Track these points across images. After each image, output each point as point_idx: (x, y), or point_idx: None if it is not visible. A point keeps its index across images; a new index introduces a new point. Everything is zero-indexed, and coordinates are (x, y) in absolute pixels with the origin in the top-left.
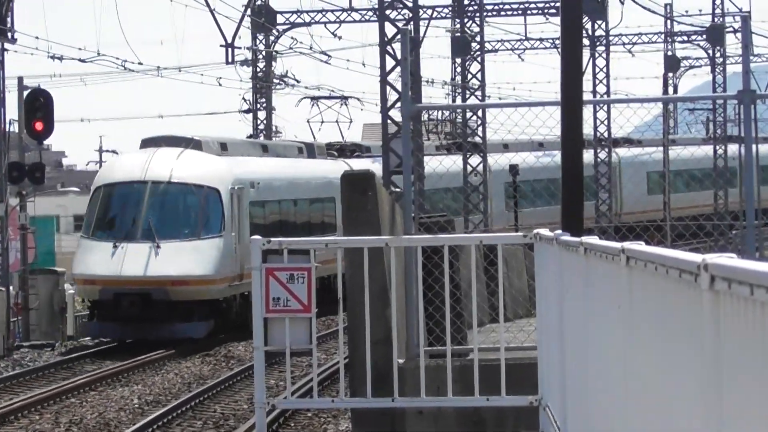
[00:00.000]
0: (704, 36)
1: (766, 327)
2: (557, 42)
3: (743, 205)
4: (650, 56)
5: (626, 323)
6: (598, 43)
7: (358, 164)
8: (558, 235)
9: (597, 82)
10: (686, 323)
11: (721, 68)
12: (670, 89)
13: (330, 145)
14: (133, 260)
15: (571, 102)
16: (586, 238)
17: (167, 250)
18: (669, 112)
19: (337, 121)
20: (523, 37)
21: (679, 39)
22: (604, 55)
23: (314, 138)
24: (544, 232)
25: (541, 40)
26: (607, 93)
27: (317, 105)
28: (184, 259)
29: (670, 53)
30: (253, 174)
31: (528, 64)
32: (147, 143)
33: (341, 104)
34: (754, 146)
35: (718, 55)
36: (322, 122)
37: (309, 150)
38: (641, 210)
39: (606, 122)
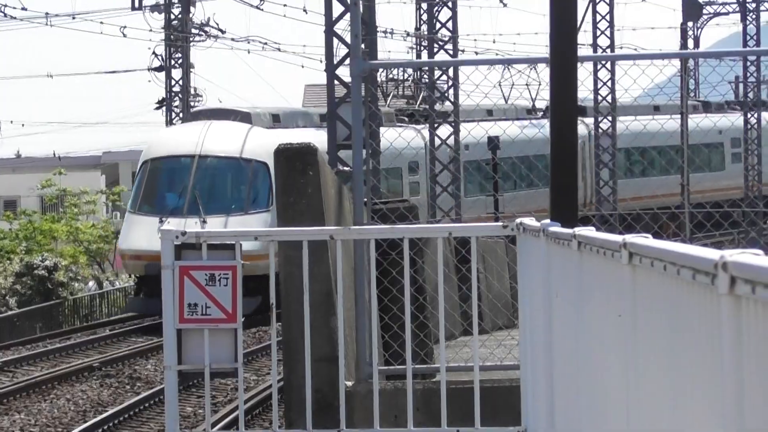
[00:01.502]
0: None
1: None
2: None
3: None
4: (665, 1)
5: (629, 335)
6: None
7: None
8: (546, 226)
9: (598, 33)
10: (702, 335)
11: (754, 16)
12: (690, 43)
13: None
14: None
15: (562, 58)
16: (580, 230)
17: (214, 225)
18: (688, 70)
19: None
20: None
21: None
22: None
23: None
24: (530, 221)
25: None
26: (611, 47)
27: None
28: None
29: None
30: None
31: (512, 10)
32: (196, 116)
33: None
34: None
35: None
36: None
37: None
38: (651, 194)
39: (609, 83)
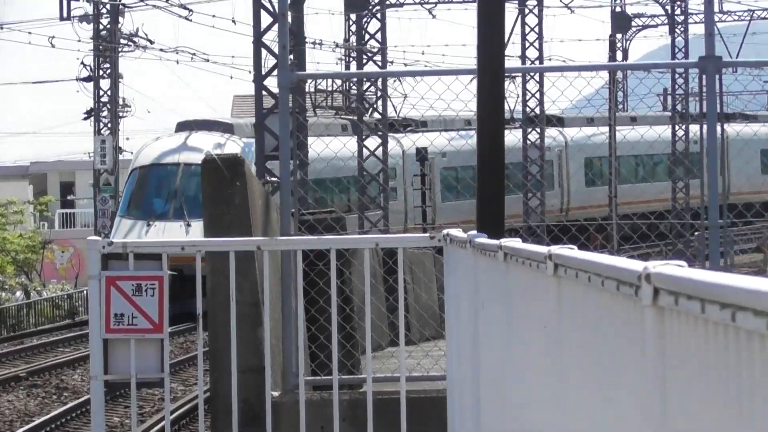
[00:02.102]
0: None
1: (719, 350)
2: None
3: (705, 200)
4: (594, 13)
5: (555, 346)
6: None
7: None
8: (472, 237)
9: (527, 45)
10: (626, 346)
11: (682, 29)
12: (619, 55)
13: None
14: (166, 237)
15: (489, 70)
16: (506, 241)
17: (197, 228)
18: (616, 82)
19: None
20: None
21: None
22: (536, 11)
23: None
24: (456, 232)
25: None
26: (540, 59)
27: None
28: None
29: (618, 9)
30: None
31: (441, 21)
32: (181, 127)
33: None
34: (719, 125)
35: (678, 12)
36: None
37: (354, 127)
38: (579, 206)
39: (538, 95)
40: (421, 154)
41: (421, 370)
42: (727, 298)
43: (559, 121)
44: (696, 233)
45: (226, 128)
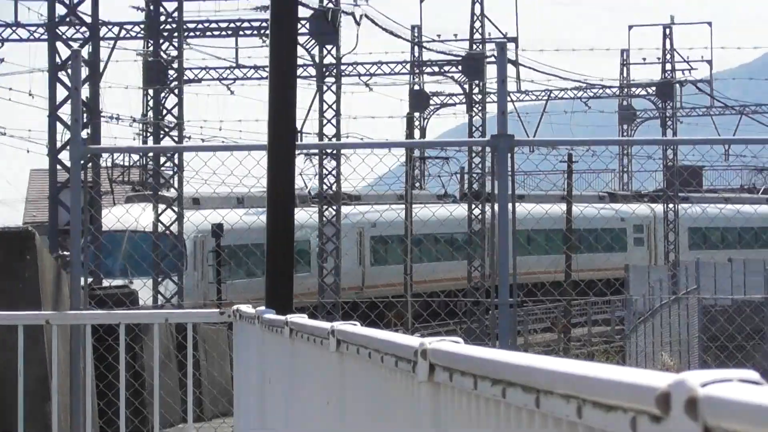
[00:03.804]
0: (459, 67)
1: (491, 425)
2: None
3: (496, 279)
4: (393, 91)
5: (337, 421)
6: (326, 74)
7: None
8: (261, 313)
9: (324, 122)
10: (405, 422)
11: (480, 107)
12: (417, 133)
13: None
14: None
15: (279, 146)
16: (292, 317)
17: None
18: (413, 160)
19: None
20: (234, 64)
21: (429, 70)
22: (333, 88)
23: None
24: (246, 308)
25: (255, 67)
26: (337, 135)
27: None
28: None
29: (417, 87)
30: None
31: (239, 97)
32: (130, 200)
33: None
34: (510, 204)
35: (476, 91)
36: None
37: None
38: (373, 284)
39: (335, 172)
40: (215, 230)
41: None
42: (497, 374)
43: (355, 199)
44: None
45: (163, 201)
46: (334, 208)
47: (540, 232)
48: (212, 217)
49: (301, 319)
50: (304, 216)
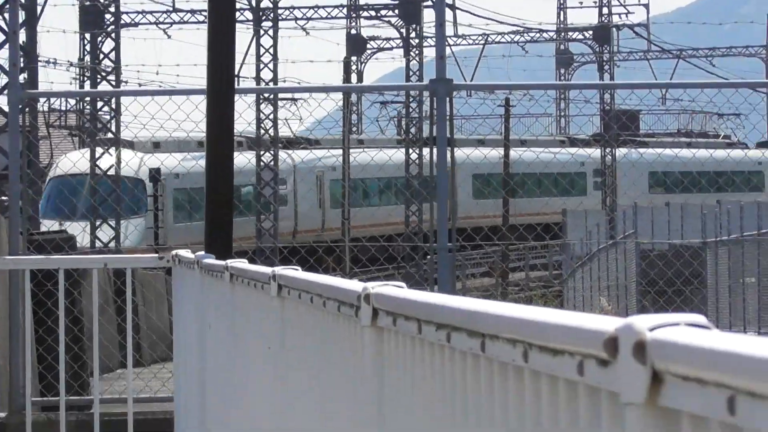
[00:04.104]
0: (396, 11)
1: (436, 369)
2: None
3: (435, 224)
4: (330, 35)
5: (279, 366)
6: (263, 18)
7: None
8: (200, 258)
9: (261, 66)
10: (347, 367)
11: (417, 51)
12: (354, 77)
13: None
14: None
15: (218, 90)
16: (232, 262)
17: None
18: (351, 104)
19: None
20: (171, 8)
21: (366, 14)
22: (270, 32)
23: None
24: (185, 253)
25: (192, 11)
26: (274, 80)
27: None
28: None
29: (353, 32)
30: (178, 167)
31: (175, 41)
32: (86, 144)
33: None
34: (450, 149)
35: (413, 35)
36: None
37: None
38: (314, 228)
39: (272, 116)
40: (153, 174)
41: (149, 392)
42: (442, 318)
43: (290, 143)
44: (427, 257)
45: (128, 144)
46: (272, 152)
47: (497, 176)
48: (169, 161)
49: (241, 263)
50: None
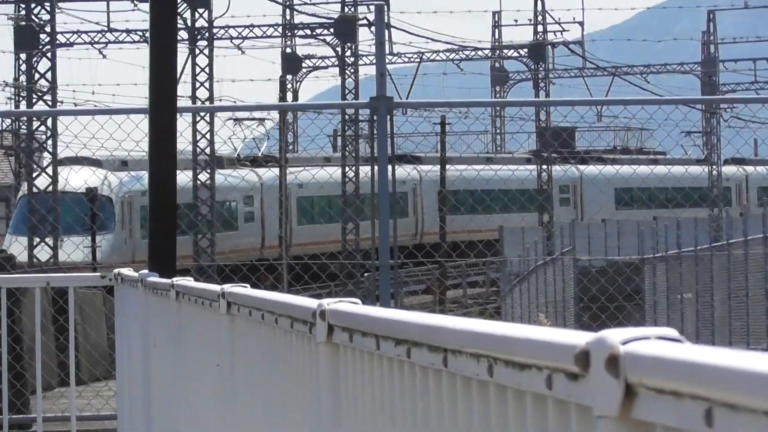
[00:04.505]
0: (331, 29)
1: (395, 387)
2: (147, 34)
3: (376, 242)
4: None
5: (228, 384)
6: (199, 37)
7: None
8: (144, 276)
9: (197, 85)
10: (302, 385)
11: (353, 70)
12: (289, 96)
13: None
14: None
15: (161, 109)
16: (179, 280)
17: (69, 242)
18: (287, 123)
19: None
20: (106, 28)
21: (301, 33)
22: (206, 51)
23: None
24: (128, 271)
25: (127, 31)
26: (210, 99)
27: None
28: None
29: (288, 51)
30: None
31: (111, 61)
32: (61, 162)
33: None
34: (390, 167)
35: (348, 54)
36: None
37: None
38: (252, 247)
39: (209, 135)
40: (92, 193)
41: (91, 410)
42: (402, 334)
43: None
44: (366, 274)
45: (94, 163)
46: (208, 171)
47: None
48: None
49: (187, 281)
50: (235, 180)
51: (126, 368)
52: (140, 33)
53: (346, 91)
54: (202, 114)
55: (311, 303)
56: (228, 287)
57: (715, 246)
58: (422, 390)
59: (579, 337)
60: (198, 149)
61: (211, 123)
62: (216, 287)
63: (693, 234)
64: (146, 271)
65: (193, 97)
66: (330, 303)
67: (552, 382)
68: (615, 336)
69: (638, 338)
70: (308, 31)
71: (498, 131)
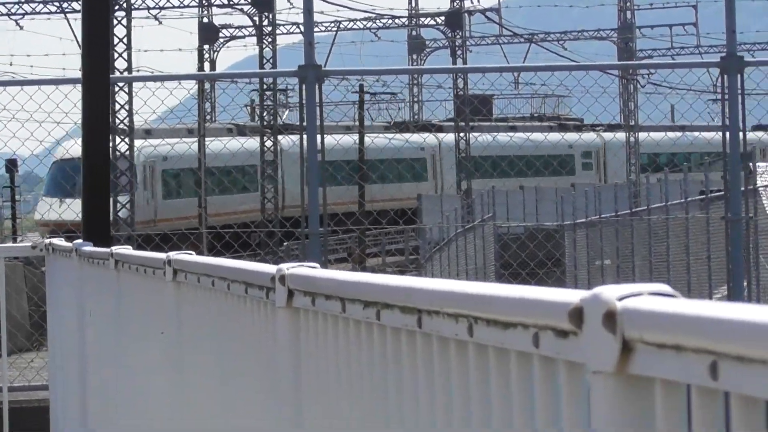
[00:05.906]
0: (249, 1)
1: (363, 350)
2: (64, 5)
3: (306, 209)
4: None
5: (175, 351)
6: (116, 7)
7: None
8: (78, 245)
9: (115, 55)
10: (258, 352)
11: (270, 39)
12: (207, 65)
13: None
14: (74, 209)
15: (95, 79)
16: (118, 249)
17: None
18: (205, 92)
19: None
20: None
21: (218, 2)
22: (124, 22)
23: None
24: (60, 241)
25: (44, 2)
26: (129, 69)
27: None
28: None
29: (205, 20)
30: (167, 150)
31: (29, 33)
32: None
33: None
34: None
35: (266, 23)
36: None
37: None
38: (165, 218)
39: (128, 106)
40: (7, 165)
41: (23, 381)
42: (371, 296)
43: (147, 133)
44: (285, 243)
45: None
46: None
47: (488, 159)
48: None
49: (128, 250)
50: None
51: (58, 339)
52: (57, 4)
53: (264, 61)
54: (120, 84)
55: (269, 268)
56: (174, 254)
57: (636, 211)
58: (394, 352)
59: (569, 295)
60: (117, 120)
61: (129, 93)
62: (161, 255)
63: (612, 201)
64: (80, 240)
65: (112, 68)
66: (290, 267)
67: (539, 339)
68: (610, 292)
69: (633, 294)
70: (225, 0)
71: (415, 99)
